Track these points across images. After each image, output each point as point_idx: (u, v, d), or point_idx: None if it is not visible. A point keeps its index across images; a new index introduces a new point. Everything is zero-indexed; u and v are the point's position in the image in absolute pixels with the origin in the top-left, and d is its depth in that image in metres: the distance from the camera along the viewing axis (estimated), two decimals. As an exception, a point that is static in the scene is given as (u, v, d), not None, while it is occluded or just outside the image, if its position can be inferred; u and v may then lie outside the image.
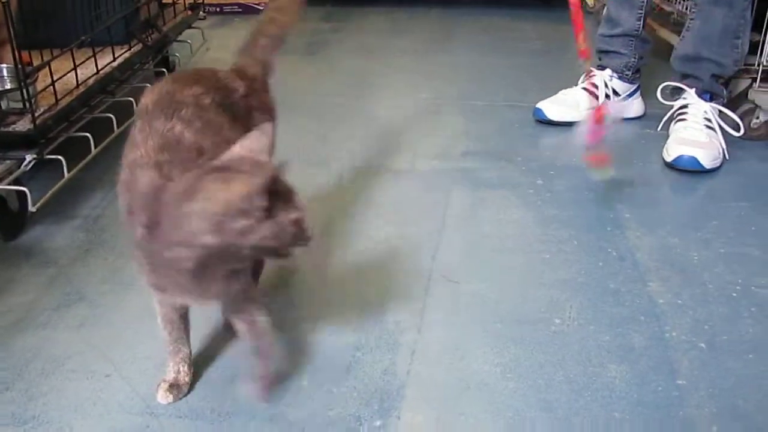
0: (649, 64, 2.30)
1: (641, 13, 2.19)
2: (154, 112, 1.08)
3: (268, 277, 1.49)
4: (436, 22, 3.45)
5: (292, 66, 2.92)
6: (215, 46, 3.12)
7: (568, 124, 2.22)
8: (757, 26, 2.07)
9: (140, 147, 1.03)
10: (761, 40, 2.06)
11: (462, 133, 2.20)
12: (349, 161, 2.01)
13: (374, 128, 2.24)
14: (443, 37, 3.20)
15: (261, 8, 3.60)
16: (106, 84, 1.93)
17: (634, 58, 2.22)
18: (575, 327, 1.34)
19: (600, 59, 2.29)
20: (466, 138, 2.16)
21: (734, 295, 1.43)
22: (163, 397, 1.17)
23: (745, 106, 2.11)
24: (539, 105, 2.25)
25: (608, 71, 2.24)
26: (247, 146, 0.98)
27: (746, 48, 2.03)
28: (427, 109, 2.38)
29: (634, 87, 2.28)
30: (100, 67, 1.90)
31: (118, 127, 1.91)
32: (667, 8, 2.64)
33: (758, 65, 2.07)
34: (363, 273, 1.51)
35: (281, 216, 0.93)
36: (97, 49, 1.92)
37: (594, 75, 2.25)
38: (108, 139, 1.86)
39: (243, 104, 1.22)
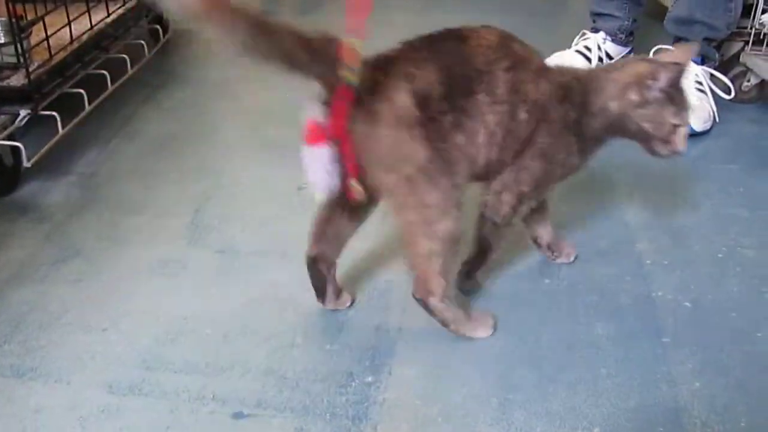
0: (643, 26, 2.30)
1: (636, -25, 2.19)
2: None
3: (258, 238, 1.51)
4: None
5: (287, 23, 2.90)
6: (208, 3, 3.09)
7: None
8: (751, -11, 2.07)
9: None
10: (754, 3, 2.06)
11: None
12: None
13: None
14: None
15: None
16: (100, 40, 1.93)
17: (628, 20, 2.22)
18: (564, 286, 1.37)
19: (594, 21, 2.29)
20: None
21: (720, 255, 1.46)
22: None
23: (737, 69, 2.12)
24: (533, 67, 2.25)
25: (602, 34, 2.24)
26: (671, 54, 1.27)
27: (739, 11, 2.03)
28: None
29: (627, 50, 2.27)
30: (94, 23, 1.90)
31: (111, 84, 1.91)
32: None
33: (751, 28, 2.08)
34: (355, 233, 1.53)
35: (667, 112, 1.19)
36: (91, 5, 1.91)
37: (588, 37, 2.25)
38: (102, 96, 1.87)
39: None
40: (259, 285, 1.36)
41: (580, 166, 1.28)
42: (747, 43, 2.10)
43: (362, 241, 1.48)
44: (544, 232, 1.41)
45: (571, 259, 1.42)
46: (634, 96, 1.19)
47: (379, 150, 1.08)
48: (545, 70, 1.20)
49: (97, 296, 1.33)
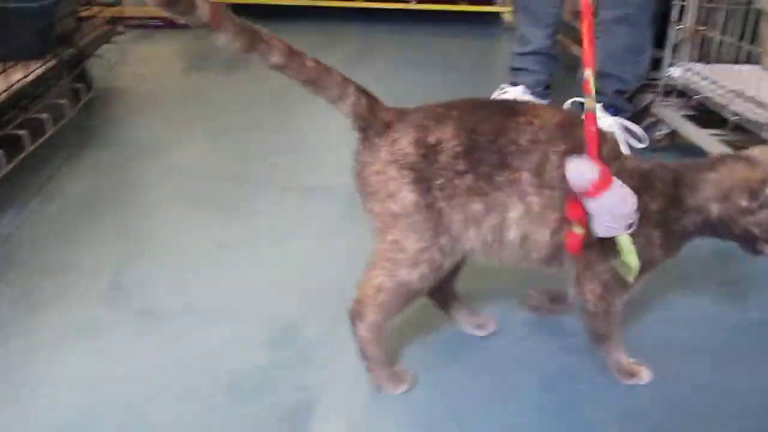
0: (558, 79, 2.38)
1: (551, 32, 2.28)
2: None
3: (180, 298, 1.49)
4: (358, 39, 3.49)
5: (213, 80, 2.92)
6: (134, 61, 3.10)
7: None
8: (658, 43, 2.17)
9: None
10: (663, 56, 2.16)
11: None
12: (268, 177, 2.03)
13: (294, 144, 2.26)
14: (365, 53, 3.24)
15: (183, 23, 3.58)
16: (18, 100, 1.90)
17: (545, 75, 2.30)
18: (487, 338, 1.38)
19: (513, 76, 2.36)
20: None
21: (639, 304, 1.49)
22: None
23: (649, 119, 2.21)
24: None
25: (521, 87, 2.31)
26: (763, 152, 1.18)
27: (647, 64, 2.13)
28: (348, 126, 2.40)
29: (545, 102, 2.35)
30: (12, 83, 1.87)
31: (31, 144, 1.88)
32: (579, 26, 2.73)
33: (660, 80, 2.17)
34: (278, 288, 1.53)
35: None
36: (8, 64, 1.89)
37: (506, 91, 2.32)
38: (19, 157, 1.83)
39: None
40: (181, 346, 1.34)
41: (661, 261, 1.21)
42: (657, 94, 2.19)
43: (282, 301, 1.49)
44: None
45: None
46: (744, 202, 1.13)
47: (370, 179, 1.14)
48: (614, 160, 1.16)
49: (11, 365, 1.29)
